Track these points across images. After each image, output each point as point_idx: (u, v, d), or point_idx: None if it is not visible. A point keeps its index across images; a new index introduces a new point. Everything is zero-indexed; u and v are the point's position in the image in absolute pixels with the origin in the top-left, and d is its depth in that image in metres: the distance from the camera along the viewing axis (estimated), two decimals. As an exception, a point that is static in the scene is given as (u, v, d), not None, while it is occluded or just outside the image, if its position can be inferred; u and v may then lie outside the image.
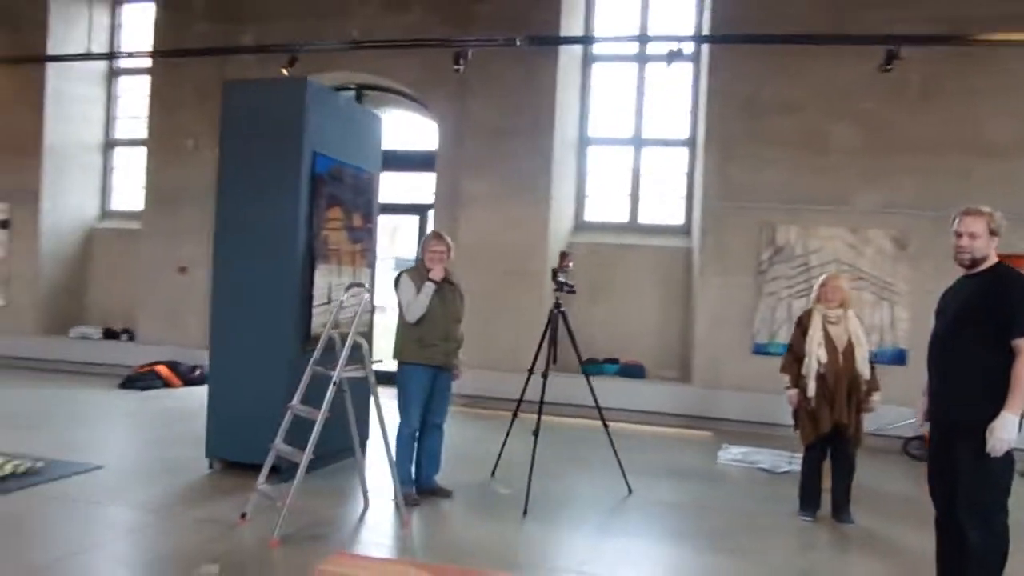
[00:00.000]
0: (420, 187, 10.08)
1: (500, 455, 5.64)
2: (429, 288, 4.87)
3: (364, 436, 5.87)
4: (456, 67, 6.96)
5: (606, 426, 5.47)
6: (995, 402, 3.28)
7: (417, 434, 5.00)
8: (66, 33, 10.56)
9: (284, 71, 6.99)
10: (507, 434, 5.59)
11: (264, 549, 3.89)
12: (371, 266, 6.17)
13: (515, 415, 5.59)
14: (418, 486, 5.04)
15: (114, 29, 11.19)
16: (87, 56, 10.01)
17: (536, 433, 5.06)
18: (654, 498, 5.32)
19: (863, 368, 4.92)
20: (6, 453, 5.27)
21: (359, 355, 4.34)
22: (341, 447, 5.13)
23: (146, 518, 4.33)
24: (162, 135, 10.20)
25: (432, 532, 4.45)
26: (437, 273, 4.91)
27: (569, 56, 9.22)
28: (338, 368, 4.23)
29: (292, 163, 5.22)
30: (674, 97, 9.35)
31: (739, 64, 8.33)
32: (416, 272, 4.98)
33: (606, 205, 9.69)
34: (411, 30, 8.89)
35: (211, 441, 5.34)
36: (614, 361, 9.04)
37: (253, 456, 5.14)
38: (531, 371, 5.48)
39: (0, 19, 10.28)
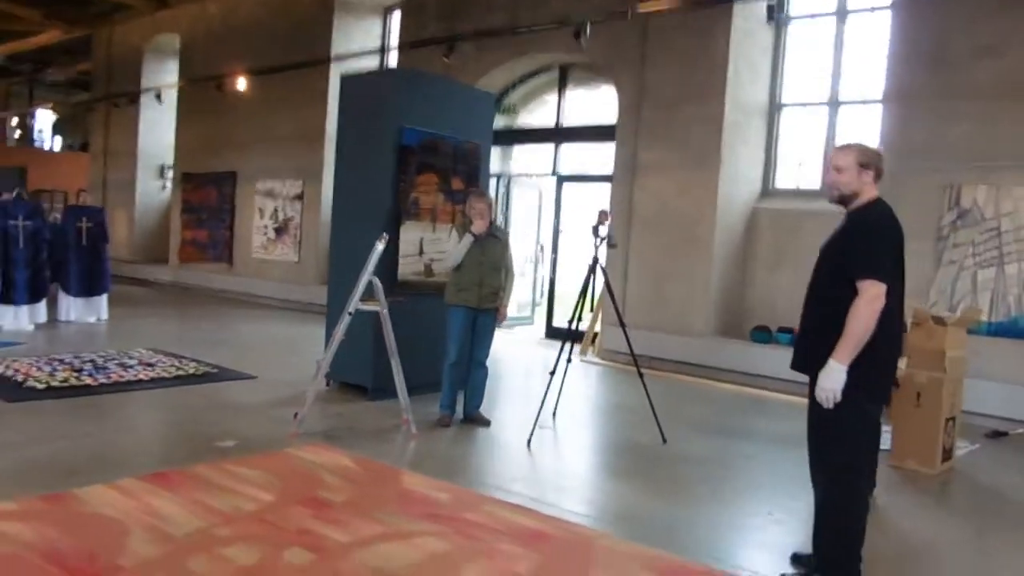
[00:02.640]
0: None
1: (559, 398, 6.11)
2: (467, 240, 5.57)
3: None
4: (578, 39, 7.36)
5: (641, 375, 5.66)
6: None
7: (467, 369, 5.75)
8: (345, 40, 12.80)
9: (445, 59, 7.99)
10: (558, 371, 5.94)
11: (284, 438, 4.98)
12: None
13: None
14: (464, 414, 5.80)
15: (385, 34, 13.24)
16: (357, 54, 12.10)
17: (552, 373, 5.53)
18: (682, 451, 5.40)
19: None
20: (198, 360, 7.13)
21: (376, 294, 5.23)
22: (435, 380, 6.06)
23: (241, 410, 5.70)
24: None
25: (432, 447, 5.16)
26: (477, 227, 5.58)
27: (752, 19, 8.93)
28: (351, 301, 5.17)
29: (380, 137, 6.24)
30: (873, 52, 8.58)
31: (927, 9, 7.47)
32: (464, 227, 5.70)
33: (798, 170, 9.26)
34: (600, 9, 9.32)
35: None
36: (788, 331, 8.70)
37: (356, 377, 6.35)
38: (570, 322, 5.82)
39: (296, 34, 12.81)
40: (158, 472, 3.99)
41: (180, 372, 6.76)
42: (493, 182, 11.63)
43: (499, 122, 11.60)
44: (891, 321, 3.14)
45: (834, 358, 3.04)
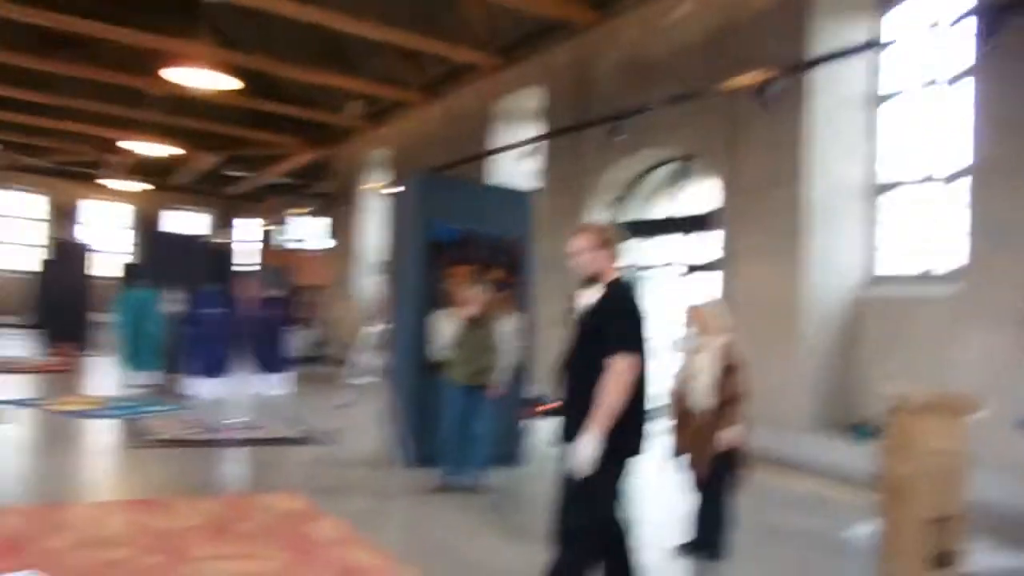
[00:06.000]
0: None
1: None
2: (457, 323, 6.33)
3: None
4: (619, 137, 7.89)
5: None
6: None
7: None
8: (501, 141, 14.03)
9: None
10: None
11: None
12: (522, 310, 7.53)
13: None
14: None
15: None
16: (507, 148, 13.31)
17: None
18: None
19: None
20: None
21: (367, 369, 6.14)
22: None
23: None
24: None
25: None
26: (466, 312, 6.34)
27: (841, 96, 8.78)
28: (347, 373, 6.12)
29: (413, 234, 7.27)
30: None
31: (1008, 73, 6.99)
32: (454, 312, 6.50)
33: (907, 254, 8.70)
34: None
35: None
36: (888, 426, 8.10)
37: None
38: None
39: (465, 140, 14.39)
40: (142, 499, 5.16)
41: (277, 436, 8.21)
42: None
43: (629, 214, 12.14)
44: (634, 389, 3.37)
45: (589, 430, 3.29)
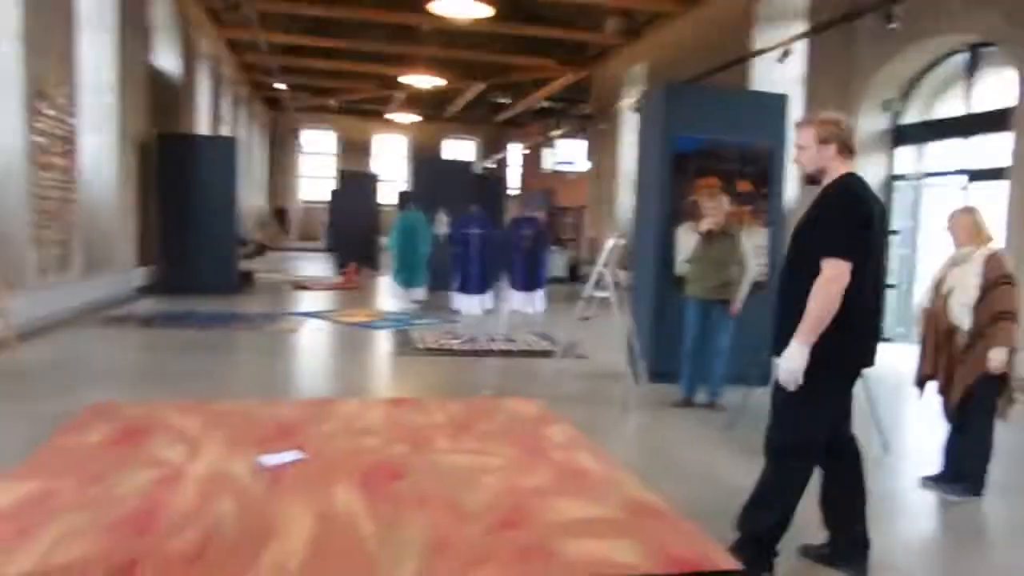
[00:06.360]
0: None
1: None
2: (695, 238, 6.12)
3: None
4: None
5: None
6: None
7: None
8: (765, 43, 13.08)
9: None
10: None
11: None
12: (770, 224, 7.13)
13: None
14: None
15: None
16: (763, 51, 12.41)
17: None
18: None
19: None
20: (558, 342, 8.76)
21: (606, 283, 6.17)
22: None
23: (527, 377, 7.18)
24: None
25: (620, 415, 5.88)
26: (703, 225, 6.12)
27: None
28: (587, 287, 6.20)
29: (658, 145, 7.04)
30: None
31: None
32: (695, 225, 6.26)
33: None
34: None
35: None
36: None
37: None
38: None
39: (724, 44, 13.58)
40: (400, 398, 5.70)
41: (527, 348, 8.51)
42: (901, 184, 10.86)
43: (909, 116, 10.81)
44: (859, 298, 3.06)
45: (796, 340, 3.05)
